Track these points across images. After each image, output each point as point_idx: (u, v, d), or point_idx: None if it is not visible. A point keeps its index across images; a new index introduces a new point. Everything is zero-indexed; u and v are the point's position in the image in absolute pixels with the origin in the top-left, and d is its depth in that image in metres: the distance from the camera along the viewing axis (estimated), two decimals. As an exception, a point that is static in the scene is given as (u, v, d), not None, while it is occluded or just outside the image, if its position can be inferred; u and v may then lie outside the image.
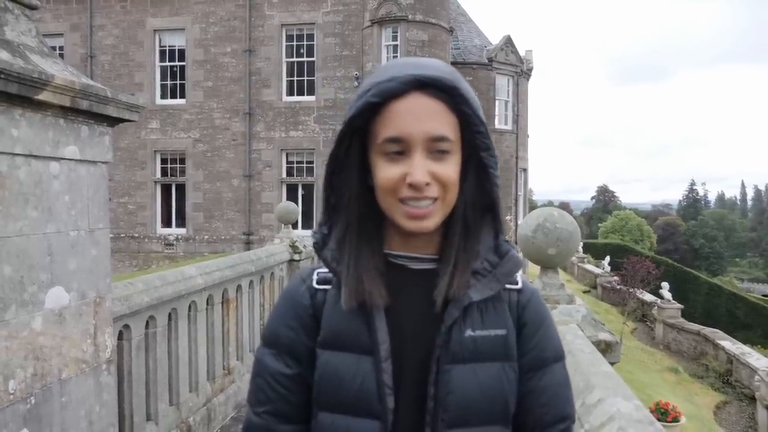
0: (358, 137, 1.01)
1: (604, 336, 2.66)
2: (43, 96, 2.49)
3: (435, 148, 0.97)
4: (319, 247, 1.06)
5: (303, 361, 1.05)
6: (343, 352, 1.01)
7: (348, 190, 1.03)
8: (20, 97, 2.39)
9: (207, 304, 5.25)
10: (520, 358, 1.05)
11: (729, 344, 17.69)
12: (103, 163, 3.02)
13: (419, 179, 0.95)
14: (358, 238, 1.04)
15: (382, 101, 0.96)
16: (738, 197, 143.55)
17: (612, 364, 2.35)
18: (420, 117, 0.95)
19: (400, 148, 0.96)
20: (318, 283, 1.08)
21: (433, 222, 0.99)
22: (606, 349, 2.59)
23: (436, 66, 0.98)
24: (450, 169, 0.98)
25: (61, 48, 19.59)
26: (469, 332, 1.01)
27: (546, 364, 1.08)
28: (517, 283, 1.09)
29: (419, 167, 0.95)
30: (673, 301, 21.63)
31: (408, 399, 1.00)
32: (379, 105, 0.96)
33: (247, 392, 1.12)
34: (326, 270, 1.07)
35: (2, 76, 2.24)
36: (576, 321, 2.71)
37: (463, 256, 1.03)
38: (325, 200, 1.07)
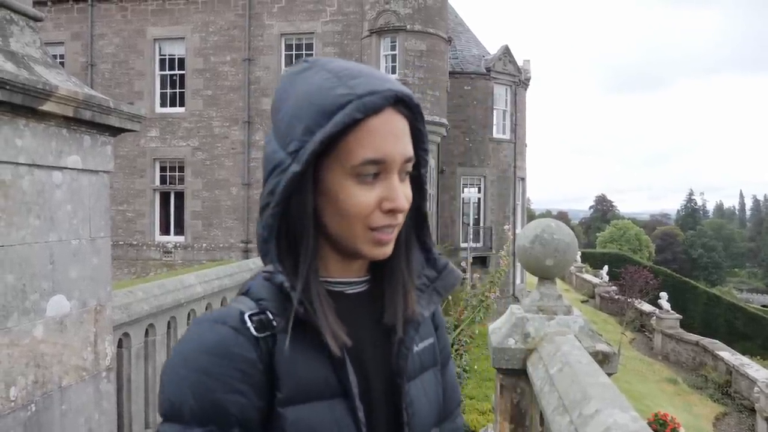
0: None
1: (601, 347, 2.68)
2: (47, 106, 2.52)
3: (405, 169, 0.92)
4: (290, 290, 0.88)
5: (254, 428, 0.86)
6: (312, 402, 0.88)
7: (305, 218, 0.89)
8: (24, 107, 2.42)
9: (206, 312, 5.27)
10: None
11: (728, 355, 17.70)
12: (104, 172, 3.04)
13: (404, 206, 0.90)
14: (315, 272, 0.91)
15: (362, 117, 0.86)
16: (737, 207, 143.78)
17: (609, 375, 2.36)
18: (398, 137, 0.89)
19: (378, 170, 0.88)
20: (257, 330, 0.87)
21: (391, 247, 0.94)
22: (603, 360, 2.61)
23: (398, 81, 0.92)
24: (410, 189, 0.95)
25: (61, 56, 19.67)
26: (415, 348, 1.01)
27: (448, 360, 1.14)
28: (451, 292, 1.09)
29: (401, 192, 0.90)
30: (672, 311, 21.66)
31: (380, 429, 0.95)
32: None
33: None
34: (256, 311, 0.89)
35: (7, 87, 2.26)
36: (573, 332, 2.73)
37: (409, 275, 1.00)
38: (274, 230, 0.90)
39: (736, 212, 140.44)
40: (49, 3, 19.61)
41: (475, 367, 8.78)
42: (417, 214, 1.02)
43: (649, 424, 10.17)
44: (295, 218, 0.89)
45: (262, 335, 0.87)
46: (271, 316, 0.88)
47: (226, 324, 0.87)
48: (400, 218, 0.92)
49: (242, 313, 0.88)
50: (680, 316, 21.58)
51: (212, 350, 0.85)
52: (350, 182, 0.88)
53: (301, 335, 0.88)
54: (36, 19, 2.82)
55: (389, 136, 0.88)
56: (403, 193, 0.90)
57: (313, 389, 0.88)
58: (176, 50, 19.66)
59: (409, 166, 0.92)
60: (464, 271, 16.78)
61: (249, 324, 0.87)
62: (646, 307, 23.59)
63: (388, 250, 0.93)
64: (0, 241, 2.37)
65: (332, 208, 0.89)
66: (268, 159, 0.90)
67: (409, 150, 0.91)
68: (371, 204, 0.88)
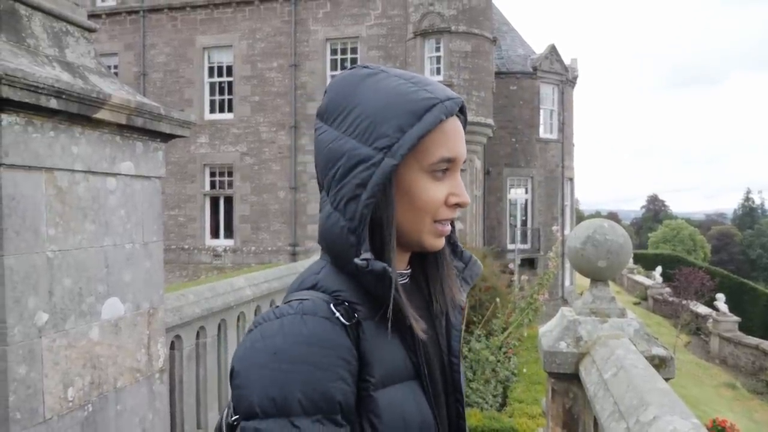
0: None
1: (657, 351, 2.58)
2: (101, 114, 2.59)
3: (461, 168, 1.02)
4: (392, 274, 0.92)
5: (352, 413, 0.89)
6: (395, 385, 0.94)
7: (391, 212, 0.96)
8: (80, 115, 2.49)
9: (255, 314, 5.33)
10: None
11: (791, 359, 16.92)
12: (156, 177, 3.11)
13: (468, 200, 0.99)
14: (394, 262, 0.96)
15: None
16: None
17: (667, 380, 2.28)
18: (462, 138, 0.99)
19: (447, 168, 0.97)
20: (346, 319, 0.91)
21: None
22: (660, 364, 2.51)
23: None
24: None
25: (115, 66, 20.36)
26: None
27: None
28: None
29: (464, 188, 1.00)
30: (730, 314, 20.84)
31: (441, 408, 1.03)
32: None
33: None
34: (341, 302, 0.93)
35: (64, 96, 2.34)
36: (628, 335, 2.64)
37: (451, 265, 1.09)
38: (368, 223, 0.94)
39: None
40: (103, 15, 20.33)
41: (524, 370, 8.64)
42: None
43: (708, 430, 9.80)
44: (381, 209, 0.95)
45: (349, 324, 0.91)
46: (350, 306, 0.93)
47: (317, 315, 0.89)
48: (458, 212, 1.02)
49: (327, 305, 0.91)
50: (739, 319, 20.74)
51: (312, 341, 0.87)
52: (424, 177, 0.96)
53: (379, 321, 0.94)
54: (90, 31, 2.91)
55: (458, 137, 0.98)
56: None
57: (396, 372, 0.94)
58: (224, 58, 20.08)
59: (464, 166, 1.01)
60: (512, 273, 16.56)
61: (337, 314, 0.91)
62: (702, 309, 22.78)
63: (443, 242, 1.02)
64: (58, 246, 2.45)
65: (404, 201, 0.96)
66: (349, 156, 0.93)
67: (466, 151, 1.01)
68: (441, 198, 0.97)
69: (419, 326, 0.94)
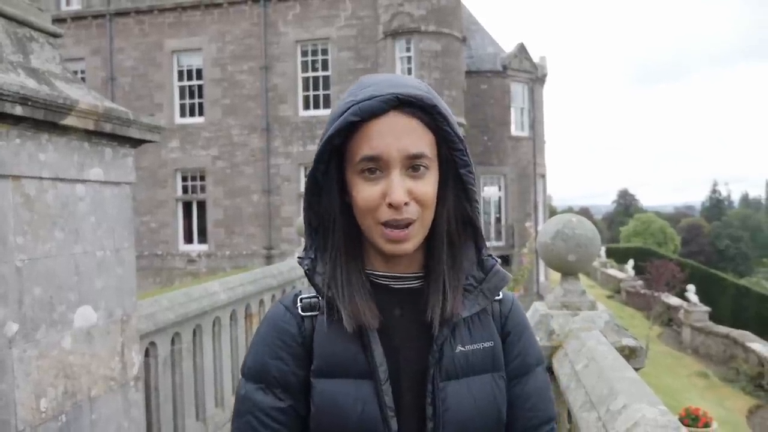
0: (336, 156, 0.99)
1: (627, 341, 2.64)
2: (68, 121, 2.56)
3: (412, 165, 0.95)
4: (312, 273, 1.01)
5: (294, 392, 1.01)
6: (339, 378, 0.98)
7: (331, 212, 1.00)
8: (46, 122, 2.46)
9: (230, 319, 5.30)
10: (506, 366, 1.06)
11: (760, 347, 17.33)
12: (126, 183, 3.08)
13: (399, 198, 0.93)
14: (346, 260, 1.01)
15: (361, 120, 0.93)
16: (763, 197, 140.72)
17: (636, 369, 2.33)
18: (398, 135, 0.94)
19: (377, 167, 0.94)
20: (303, 310, 1.03)
21: (412, 244, 0.97)
22: (630, 354, 2.57)
23: (415, 84, 0.97)
24: (428, 186, 0.96)
25: (82, 72, 20.02)
26: (459, 348, 1.02)
27: (530, 369, 1.09)
28: (498, 294, 1.09)
29: (398, 186, 0.93)
30: (700, 304, 21.27)
31: (408, 419, 0.99)
32: (358, 123, 0.94)
33: None
34: (310, 296, 1.04)
35: (29, 102, 2.31)
36: (599, 327, 2.70)
37: (453, 274, 1.02)
38: (308, 223, 1.02)
39: (763, 202, 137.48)
40: (68, 19, 19.98)
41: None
42: (465, 213, 1.03)
43: (681, 419, 10.01)
44: (322, 213, 1.02)
45: (307, 314, 1.03)
46: (318, 300, 1.03)
47: (283, 303, 1.06)
48: (408, 213, 0.95)
49: (296, 295, 1.06)
50: (709, 309, 21.16)
51: (268, 323, 1.05)
52: (357, 179, 0.97)
53: (339, 318, 0.99)
54: (55, 36, 2.87)
55: (387, 135, 0.94)
56: (402, 187, 0.94)
57: (342, 366, 0.99)
58: (194, 61, 19.89)
59: (420, 163, 0.95)
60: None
61: (298, 305, 1.04)
62: (674, 300, 23.22)
63: (404, 247, 0.97)
64: (27, 255, 2.41)
65: (353, 204, 0.98)
66: None
67: (412, 147, 0.94)
68: (374, 197, 0.95)
69: (351, 322, 0.97)
